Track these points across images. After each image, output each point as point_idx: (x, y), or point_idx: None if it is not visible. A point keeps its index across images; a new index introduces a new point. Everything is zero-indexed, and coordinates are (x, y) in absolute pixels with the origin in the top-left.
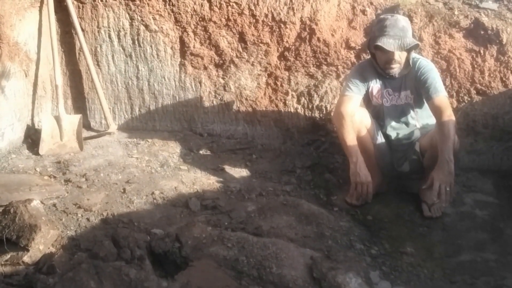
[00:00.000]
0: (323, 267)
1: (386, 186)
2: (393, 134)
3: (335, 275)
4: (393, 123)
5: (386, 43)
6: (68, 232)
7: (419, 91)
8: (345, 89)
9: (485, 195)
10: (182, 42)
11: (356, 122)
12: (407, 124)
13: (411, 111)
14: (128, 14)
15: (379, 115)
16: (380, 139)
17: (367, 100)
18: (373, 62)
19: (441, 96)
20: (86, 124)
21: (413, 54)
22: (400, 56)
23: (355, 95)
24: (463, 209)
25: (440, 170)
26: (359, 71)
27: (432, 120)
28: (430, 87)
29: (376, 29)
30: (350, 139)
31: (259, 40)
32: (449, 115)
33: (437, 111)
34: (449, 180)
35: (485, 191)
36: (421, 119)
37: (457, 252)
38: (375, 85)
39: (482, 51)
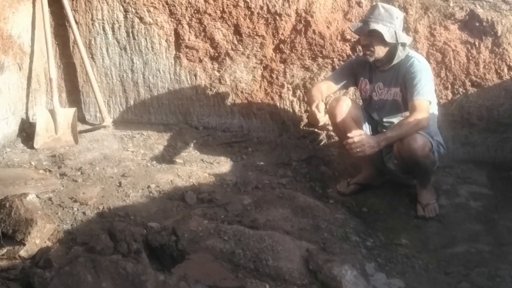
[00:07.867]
0: (319, 259)
1: (380, 179)
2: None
3: (331, 267)
4: (384, 119)
5: (353, 25)
6: (64, 226)
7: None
8: (328, 76)
9: (479, 187)
10: (177, 35)
11: (342, 112)
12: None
13: (400, 111)
14: (122, 6)
15: (369, 109)
16: (366, 130)
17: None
18: None
19: (420, 99)
20: (80, 118)
21: (411, 52)
22: (371, 42)
23: (330, 81)
24: (458, 200)
25: (372, 137)
26: (349, 65)
27: None
28: (413, 89)
29: None
30: (313, 94)
31: (255, 33)
32: (417, 117)
33: (410, 112)
34: (369, 144)
35: (479, 182)
36: None
37: (451, 243)
38: (364, 80)
39: (477, 43)
